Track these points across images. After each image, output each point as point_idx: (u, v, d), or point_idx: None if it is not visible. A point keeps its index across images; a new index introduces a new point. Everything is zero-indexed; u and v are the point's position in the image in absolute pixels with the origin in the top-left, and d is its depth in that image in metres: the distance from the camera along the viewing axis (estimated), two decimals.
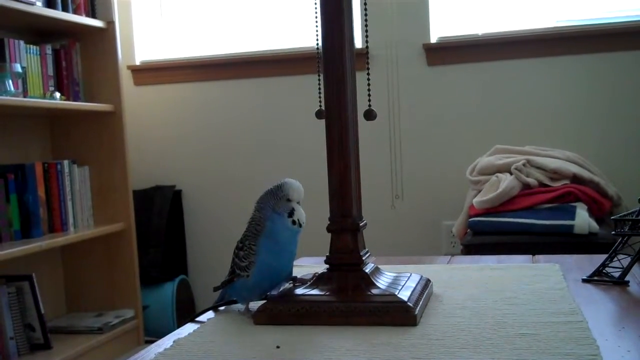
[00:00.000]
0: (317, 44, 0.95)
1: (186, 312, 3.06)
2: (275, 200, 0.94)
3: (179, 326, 1.04)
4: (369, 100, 0.95)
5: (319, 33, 0.95)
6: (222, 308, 1.00)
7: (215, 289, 1.02)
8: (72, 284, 2.91)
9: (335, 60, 0.93)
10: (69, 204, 2.68)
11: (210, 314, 0.98)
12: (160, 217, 3.08)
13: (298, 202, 0.94)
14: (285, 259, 0.96)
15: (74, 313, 2.87)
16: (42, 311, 2.41)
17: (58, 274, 2.89)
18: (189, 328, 0.92)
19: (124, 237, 2.84)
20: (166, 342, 0.86)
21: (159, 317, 2.97)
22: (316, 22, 0.95)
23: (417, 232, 2.93)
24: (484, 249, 2.10)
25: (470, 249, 2.15)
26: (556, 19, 2.83)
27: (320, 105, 0.96)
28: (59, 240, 2.52)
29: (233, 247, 0.98)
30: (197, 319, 0.96)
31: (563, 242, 2.06)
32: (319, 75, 0.96)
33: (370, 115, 0.94)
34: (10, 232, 2.47)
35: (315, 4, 0.95)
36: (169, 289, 3.01)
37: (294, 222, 0.93)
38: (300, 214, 0.94)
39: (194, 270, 3.24)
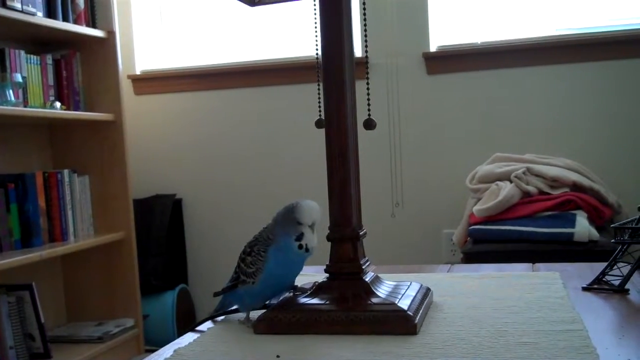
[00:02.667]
0: (317, 53, 0.95)
1: (186, 321, 3.05)
2: (286, 221, 0.92)
3: (179, 335, 1.04)
4: (369, 110, 0.95)
5: (319, 42, 0.95)
6: (221, 317, 1.00)
7: (216, 294, 1.01)
8: (72, 293, 2.91)
9: (334, 69, 0.93)
10: (69, 213, 2.68)
11: (210, 323, 0.98)
12: (161, 226, 3.08)
13: (311, 225, 0.91)
14: (292, 272, 0.96)
15: (74, 322, 2.87)
16: (42, 320, 2.41)
17: (58, 284, 2.89)
18: (189, 337, 0.91)
19: (124, 246, 2.84)
20: (166, 351, 0.86)
21: (159, 326, 2.97)
22: (316, 31, 0.95)
23: (417, 240, 2.93)
24: (484, 257, 2.10)
25: (470, 257, 2.15)
26: (556, 28, 2.83)
27: (320, 115, 0.97)
28: (59, 249, 2.52)
29: (233, 255, 0.97)
30: (197, 328, 0.96)
31: (563, 250, 2.06)
32: (318, 85, 0.96)
33: (370, 124, 0.94)
34: (10, 241, 2.47)
35: (315, 13, 0.95)
36: (170, 298, 3.01)
37: (300, 247, 0.91)
38: (310, 239, 0.91)
39: (194, 279, 3.24)
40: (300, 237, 0.91)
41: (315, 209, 0.91)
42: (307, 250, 0.91)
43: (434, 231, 2.90)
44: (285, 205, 0.93)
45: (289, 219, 0.91)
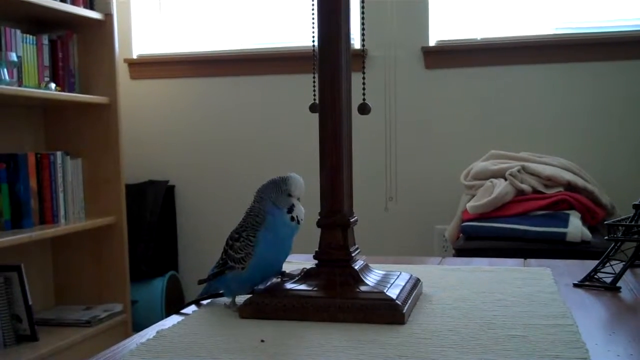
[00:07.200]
0: (313, 40, 0.94)
1: (175, 308, 3.04)
2: (276, 194, 0.92)
3: None
4: (364, 95, 0.93)
5: (316, 26, 0.93)
6: (207, 301, 0.99)
7: (201, 282, 1.00)
8: (61, 276, 2.89)
9: (330, 52, 0.92)
10: (61, 195, 2.66)
11: (195, 307, 0.97)
12: (153, 212, 3.07)
13: (298, 199, 0.93)
14: (282, 254, 0.94)
15: (62, 305, 2.85)
16: (30, 302, 2.39)
17: (47, 266, 2.87)
18: (173, 320, 0.90)
19: (114, 231, 2.82)
20: (149, 332, 0.84)
21: (148, 313, 2.95)
22: (313, 16, 0.94)
23: (409, 235, 2.92)
24: (476, 253, 2.09)
25: (462, 254, 2.14)
26: (555, 26, 2.82)
27: (315, 99, 0.95)
28: (50, 231, 2.50)
29: (224, 244, 0.96)
30: (182, 311, 0.95)
31: (555, 250, 2.06)
32: (314, 70, 0.95)
33: (364, 109, 0.93)
34: (0, 221, 2.45)
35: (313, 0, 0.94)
36: (159, 285, 3.00)
37: (292, 219, 0.91)
38: (300, 210, 0.92)
39: (184, 267, 3.22)
40: (291, 209, 0.92)
41: (302, 182, 0.94)
42: (298, 222, 0.92)
43: (427, 226, 2.89)
44: (270, 180, 0.94)
45: (279, 192, 0.92)
